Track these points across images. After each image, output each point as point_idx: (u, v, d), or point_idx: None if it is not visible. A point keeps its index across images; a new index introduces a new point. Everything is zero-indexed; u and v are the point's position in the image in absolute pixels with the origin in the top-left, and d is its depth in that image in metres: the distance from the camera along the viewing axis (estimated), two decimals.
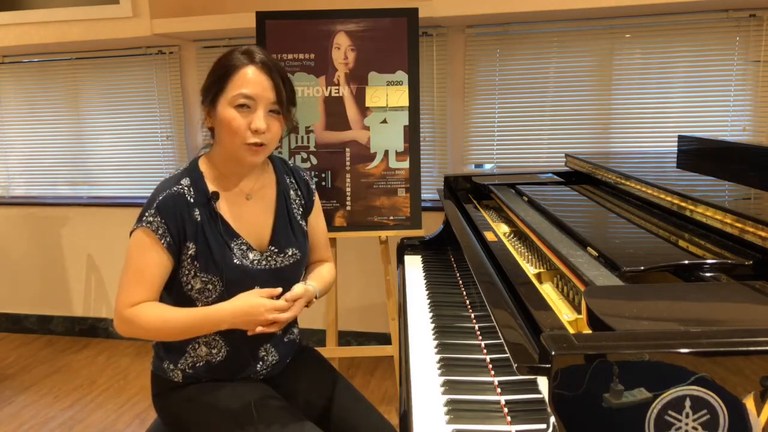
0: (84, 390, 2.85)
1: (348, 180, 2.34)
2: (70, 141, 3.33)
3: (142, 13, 2.79)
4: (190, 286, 1.35)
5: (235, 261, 1.35)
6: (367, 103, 2.31)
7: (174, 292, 1.37)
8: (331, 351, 2.39)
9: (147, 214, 1.31)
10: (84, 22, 2.87)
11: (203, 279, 1.33)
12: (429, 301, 1.54)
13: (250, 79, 1.31)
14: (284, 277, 1.42)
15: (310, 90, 2.32)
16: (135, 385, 2.88)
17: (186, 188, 1.34)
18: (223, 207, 1.37)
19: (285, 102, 1.36)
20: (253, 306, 1.27)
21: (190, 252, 1.32)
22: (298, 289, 1.36)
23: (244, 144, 1.32)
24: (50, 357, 3.24)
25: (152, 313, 1.30)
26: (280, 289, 1.33)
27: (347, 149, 2.33)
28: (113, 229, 3.34)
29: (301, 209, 1.51)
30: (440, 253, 1.95)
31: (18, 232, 3.50)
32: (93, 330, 3.49)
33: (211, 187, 1.37)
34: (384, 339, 3.06)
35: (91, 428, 2.50)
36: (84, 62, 3.23)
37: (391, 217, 2.35)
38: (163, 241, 1.30)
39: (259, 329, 1.29)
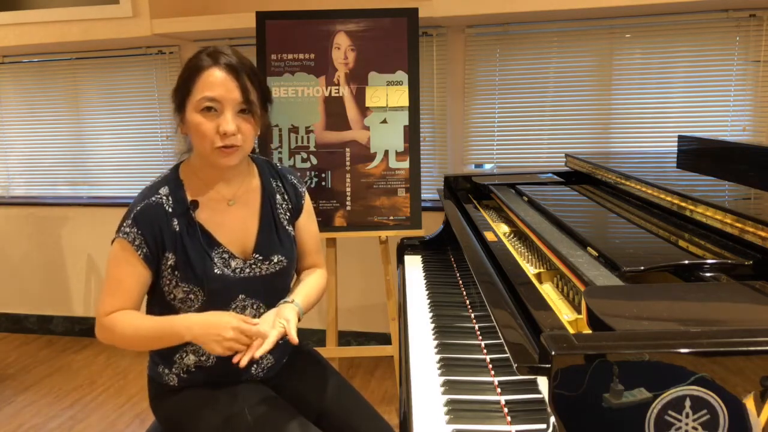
0: (84, 390, 2.85)
1: (348, 180, 2.34)
2: (70, 141, 3.33)
3: (142, 13, 2.79)
4: (172, 296, 1.33)
5: (215, 271, 1.32)
6: (367, 103, 2.31)
7: (157, 300, 1.36)
8: (331, 351, 2.39)
9: (125, 224, 1.30)
10: (84, 22, 2.87)
11: (185, 289, 1.31)
12: (429, 301, 1.54)
13: (214, 82, 1.26)
14: (270, 285, 1.40)
15: (310, 90, 2.32)
16: (135, 385, 2.88)
17: (164, 197, 1.32)
18: (203, 215, 1.34)
19: (255, 101, 1.30)
20: (218, 320, 1.22)
21: (169, 262, 1.30)
22: (272, 336, 1.24)
23: (215, 148, 1.27)
24: (50, 357, 3.24)
25: (126, 321, 1.29)
26: (258, 321, 1.26)
27: (347, 149, 2.33)
28: (113, 229, 3.32)
29: (288, 214, 1.46)
30: (440, 253, 1.95)
31: (18, 232, 3.50)
32: (93, 330, 3.48)
33: (191, 195, 1.34)
34: (384, 339, 3.06)
35: (91, 428, 2.50)
36: (84, 62, 3.23)
37: (391, 217, 2.34)
38: (139, 252, 1.28)
39: (220, 351, 1.22)
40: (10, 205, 3.48)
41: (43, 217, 3.45)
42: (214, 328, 1.21)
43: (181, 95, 1.30)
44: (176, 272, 1.30)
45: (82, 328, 3.51)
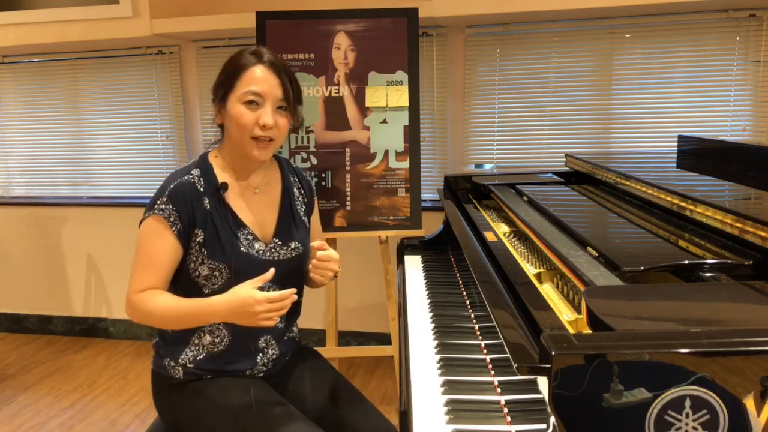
0: (84, 390, 2.85)
1: (348, 180, 2.34)
2: (70, 141, 3.33)
3: (142, 13, 2.79)
4: (197, 273, 1.38)
5: (242, 249, 1.39)
6: (367, 103, 2.31)
7: (182, 278, 1.40)
8: (331, 351, 2.39)
9: (159, 201, 1.35)
10: (84, 22, 2.87)
11: (210, 266, 1.37)
12: (429, 301, 1.54)
13: (259, 77, 1.37)
14: (288, 270, 1.46)
15: (310, 90, 2.32)
16: (135, 385, 2.88)
17: (196, 178, 1.39)
18: (231, 198, 1.42)
19: (292, 99, 1.42)
20: (243, 299, 1.24)
21: (198, 239, 1.36)
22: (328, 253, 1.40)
23: (252, 138, 1.38)
24: (50, 357, 3.24)
25: (155, 301, 1.32)
26: (272, 271, 1.29)
27: (347, 149, 2.33)
28: (113, 229, 3.34)
29: (303, 207, 1.57)
30: (440, 253, 1.95)
31: (18, 232, 3.50)
32: (93, 330, 3.49)
33: (221, 179, 1.42)
34: (384, 339, 3.06)
35: (91, 428, 2.50)
36: (84, 62, 3.23)
37: (391, 217, 2.34)
38: (174, 229, 1.34)
39: (263, 324, 1.26)
40: (10, 205, 3.47)
41: (43, 217, 3.45)
42: (240, 308, 1.24)
43: (225, 88, 1.40)
44: (203, 249, 1.36)
45: (82, 328, 3.51)
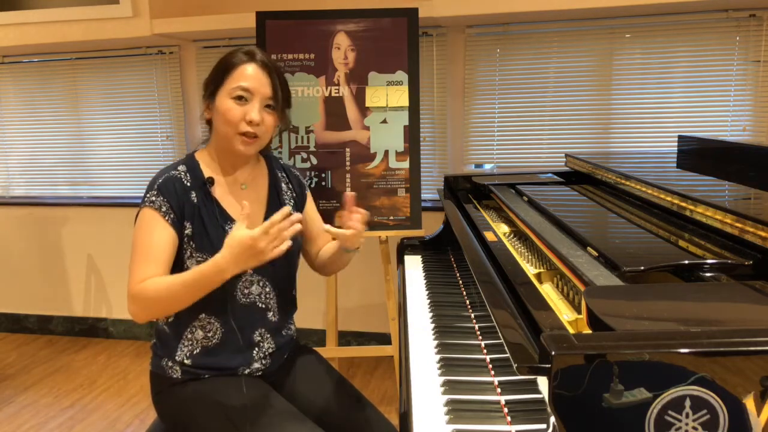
0: (84, 390, 2.85)
1: (348, 180, 2.34)
2: (70, 141, 3.33)
3: (142, 13, 2.79)
4: (186, 266, 1.39)
5: None
6: (367, 103, 2.31)
7: (174, 272, 1.39)
8: (331, 351, 2.39)
9: (149, 195, 1.37)
10: (84, 22, 2.87)
11: (199, 259, 1.37)
12: (429, 301, 1.54)
13: (249, 74, 1.40)
14: (279, 263, 1.43)
15: (310, 90, 2.32)
16: (135, 385, 2.88)
17: (182, 173, 1.42)
18: (218, 193, 1.44)
19: (280, 100, 1.44)
20: (241, 241, 1.22)
21: (186, 231, 1.38)
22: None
23: (238, 133, 1.39)
24: (50, 357, 3.24)
25: (158, 283, 1.30)
26: (246, 205, 1.25)
27: (347, 149, 2.33)
28: (113, 229, 3.34)
29: (292, 201, 1.58)
30: (440, 253, 1.95)
31: (18, 232, 3.50)
32: (93, 330, 3.49)
33: (207, 174, 1.44)
34: (384, 339, 3.06)
35: (91, 428, 2.50)
36: (84, 62, 3.23)
37: (391, 217, 2.34)
38: (167, 218, 1.36)
39: (273, 254, 1.23)
40: (10, 205, 3.48)
41: (43, 217, 3.45)
42: (244, 252, 1.22)
43: (215, 83, 1.42)
44: (192, 242, 1.38)
45: (82, 328, 3.51)
